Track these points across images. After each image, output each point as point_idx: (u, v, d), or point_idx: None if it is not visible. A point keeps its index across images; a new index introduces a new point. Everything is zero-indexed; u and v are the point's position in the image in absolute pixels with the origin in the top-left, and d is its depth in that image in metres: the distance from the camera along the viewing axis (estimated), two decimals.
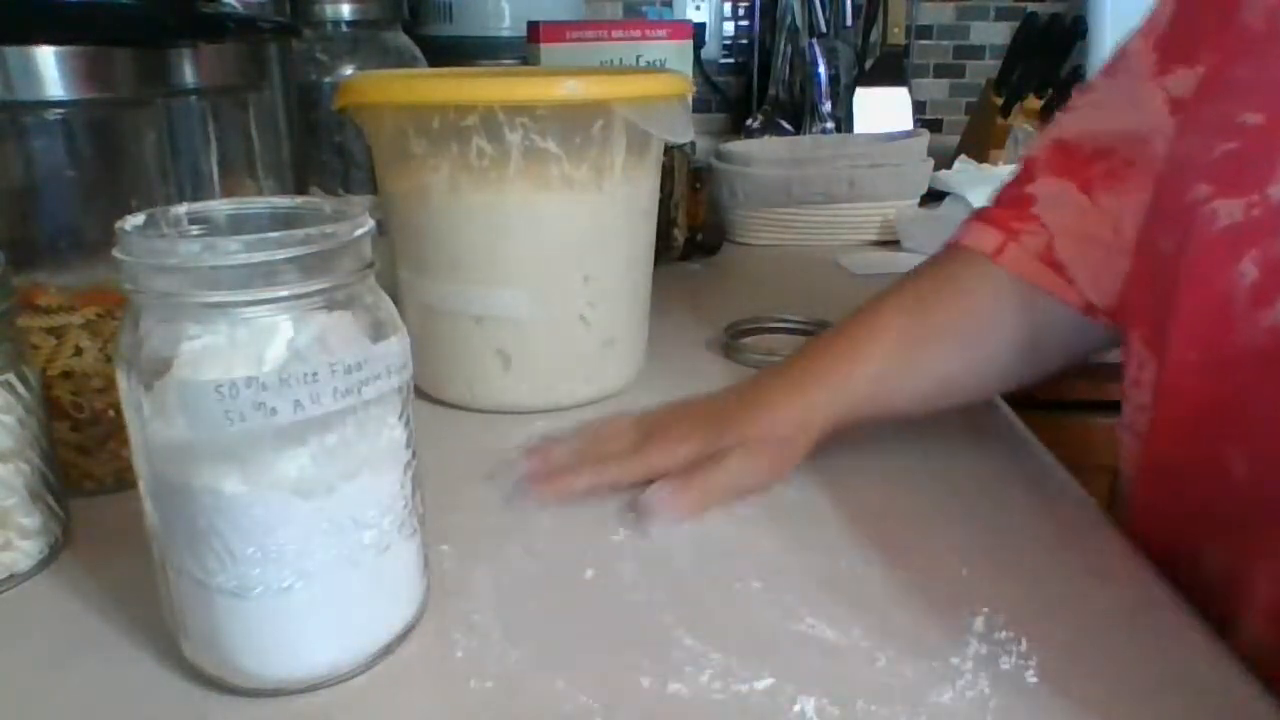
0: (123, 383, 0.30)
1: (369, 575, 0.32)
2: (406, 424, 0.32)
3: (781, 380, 0.48)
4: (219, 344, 0.29)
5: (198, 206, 0.32)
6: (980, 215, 0.50)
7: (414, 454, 0.33)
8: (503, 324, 0.53)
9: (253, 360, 0.29)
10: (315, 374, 0.28)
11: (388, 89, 0.53)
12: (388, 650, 0.33)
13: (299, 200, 0.33)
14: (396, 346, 0.31)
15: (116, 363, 0.30)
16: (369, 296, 0.32)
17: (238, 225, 0.32)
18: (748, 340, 0.65)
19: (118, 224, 0.29)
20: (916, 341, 0.47)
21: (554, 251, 0.53)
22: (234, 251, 0.28)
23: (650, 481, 0.43)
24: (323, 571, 0.31)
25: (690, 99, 0.55)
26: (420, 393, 0.57)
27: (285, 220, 0.32)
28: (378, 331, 0.31)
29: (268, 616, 0.30)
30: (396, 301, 0.58)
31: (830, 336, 0.49)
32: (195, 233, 0.31)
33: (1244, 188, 0.34)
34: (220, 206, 0.32)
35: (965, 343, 0.48)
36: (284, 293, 0.29)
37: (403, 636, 0.34)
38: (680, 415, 0.48)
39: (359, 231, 0.30)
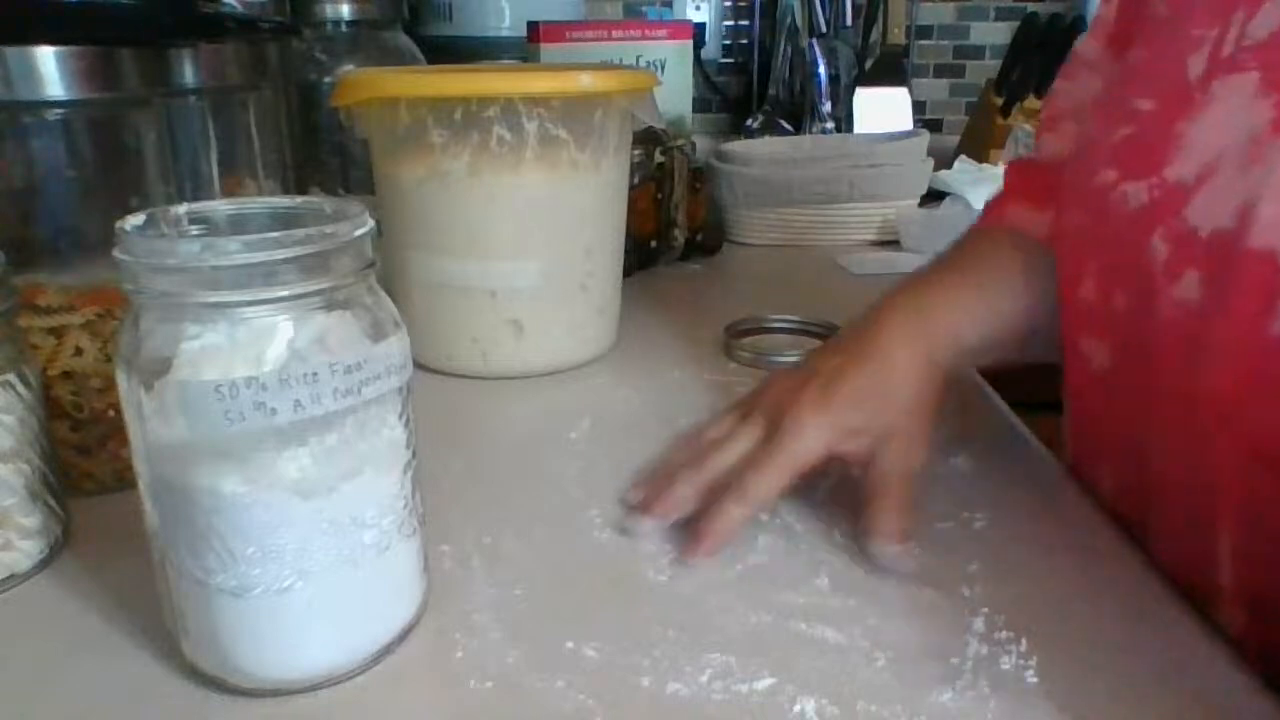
0: (123, 383, 0.30)
1: (369, 575, 0.32)
2: (407, 424, 0.32)
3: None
4: (219, 344, 0.29)
5: (198, 206, 0.32)
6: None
7: (414, 454, 0.33)
8: (516, 295, 0.59)
9: (253, 360, 0.29)
10: (315, 374, 0.28)
11: (413, 84, 0.56)
12: (388, 650, 0.33)
13: (299, 200, 0.33)
14: (396, 346, 0.31)
15: (116, 363, 0.30)
16: (369, 297, 0.32)
17: (238, 225, 0.32)
18: (747, 340, 0.65)
19: (118, 224, 0.29)
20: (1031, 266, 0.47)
21: (562, 227, 0.59)
22: (234, 251, 0.28)
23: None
24: (323, 571, 0.31)
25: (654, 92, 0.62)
26: (428, 367, 0.60)
27: (285, 220, 0.32)
28: (378, 331, 0.31)
29: (267, 616, 0.30)
30: (392, 286, 0.59)
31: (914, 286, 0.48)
32: (195, 233, 0.31)
33: (1144, 171, 0.37)
34: (220, 206, 0.32)
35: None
36: (284, 293, 0.29)
37: (403, 636, 0.34)
38: (779, 400, 0.44)
39: (359, 231, 0.30)
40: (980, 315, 0.47)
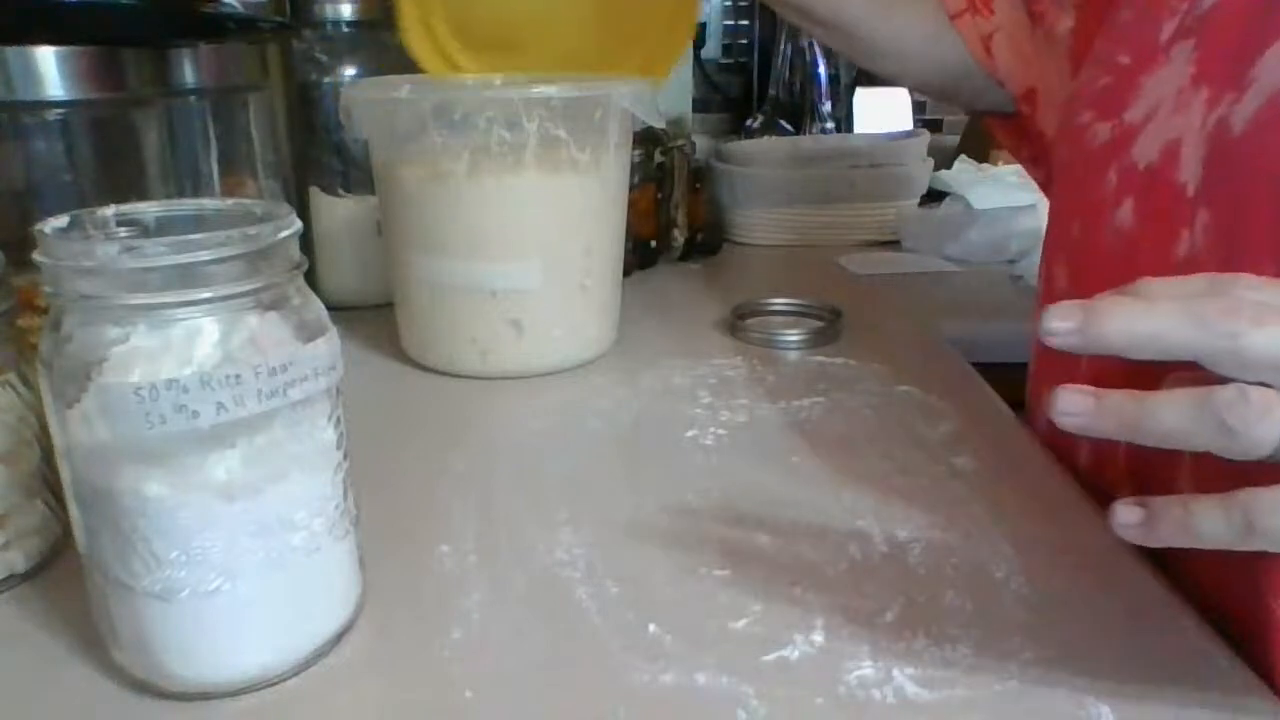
0: (45, 386, 0.29)
1: (298, 577, 0.31)
2: (337, 425, 0.32)
3: None
4: (142, 346, 0.29)
5: (126, 208, 0.32)
6: None
7: (346, 455, 0.33)
8: (516, 296, 0.59)
9: (176, 363, 0.28)
10: (238, 376, 0.28)
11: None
12: (320, 653, 0.33)
13: (229, 202, 0.32)
14: (325, 348, 0.31)
15: (38, 366, 0.30)
16: (297, 298, 0.31)
17: (165, 227, 0.32)
18: (753, 320, 0.66)
19: (37, 226, 0.29)
20: None
21: (562, 227, 0.60)
22: (155, 253, 0.28)
23: None
24: (250, 574, 0.30)
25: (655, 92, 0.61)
26: (428, 368, 0.60)
27: (213, 222, 0.32)
28: (306, 333, 0.31)
29: (194, 619, 0.30)
30: (394, 283, 0.60)
31: None
32: (123, 235, 0.31)
33: (1110, 113, 0.42)
34: (149, 208, 0.32)
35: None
36: (208, 294, 0.29)
37: (337, 639, 0.33)
38: None
39: (284, 233, 0.30)
40: None
